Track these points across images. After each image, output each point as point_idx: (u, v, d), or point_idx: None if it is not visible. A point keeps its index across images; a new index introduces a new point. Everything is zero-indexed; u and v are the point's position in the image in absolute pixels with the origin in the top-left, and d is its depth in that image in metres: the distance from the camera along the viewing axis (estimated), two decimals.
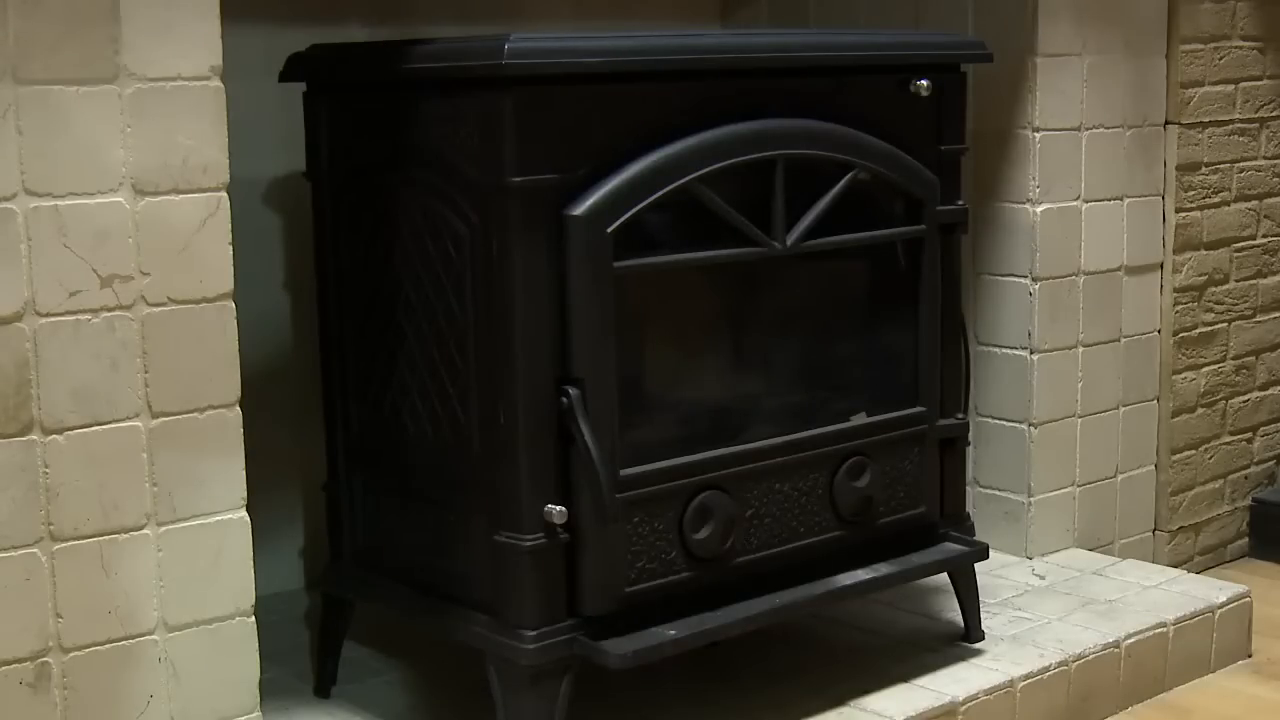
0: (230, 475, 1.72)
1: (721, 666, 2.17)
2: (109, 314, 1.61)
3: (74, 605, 1.62)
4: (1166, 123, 2.73)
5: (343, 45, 2.11)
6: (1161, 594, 2.49)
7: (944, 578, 2.28)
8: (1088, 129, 2.59)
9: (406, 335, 1.94)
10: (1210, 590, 2.51)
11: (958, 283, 2.22)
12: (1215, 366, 2.88)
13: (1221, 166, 2.82)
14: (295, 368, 2.38)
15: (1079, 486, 2.67)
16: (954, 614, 2.29)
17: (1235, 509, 2.98)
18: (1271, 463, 3.05)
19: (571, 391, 1.80)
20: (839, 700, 2.07)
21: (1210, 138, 2.79)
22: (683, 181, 1.86)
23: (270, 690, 1.85)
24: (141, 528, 1.66)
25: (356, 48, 2.10)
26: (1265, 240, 2.95)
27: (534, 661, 1.82)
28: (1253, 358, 2.96)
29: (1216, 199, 2.83)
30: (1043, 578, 2.55)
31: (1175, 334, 2.78)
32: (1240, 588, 2.52)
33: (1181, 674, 2.41)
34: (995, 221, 2.57)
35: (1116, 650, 2.30)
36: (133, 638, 1.67)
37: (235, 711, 1.75)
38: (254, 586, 1.75)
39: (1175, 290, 2.77)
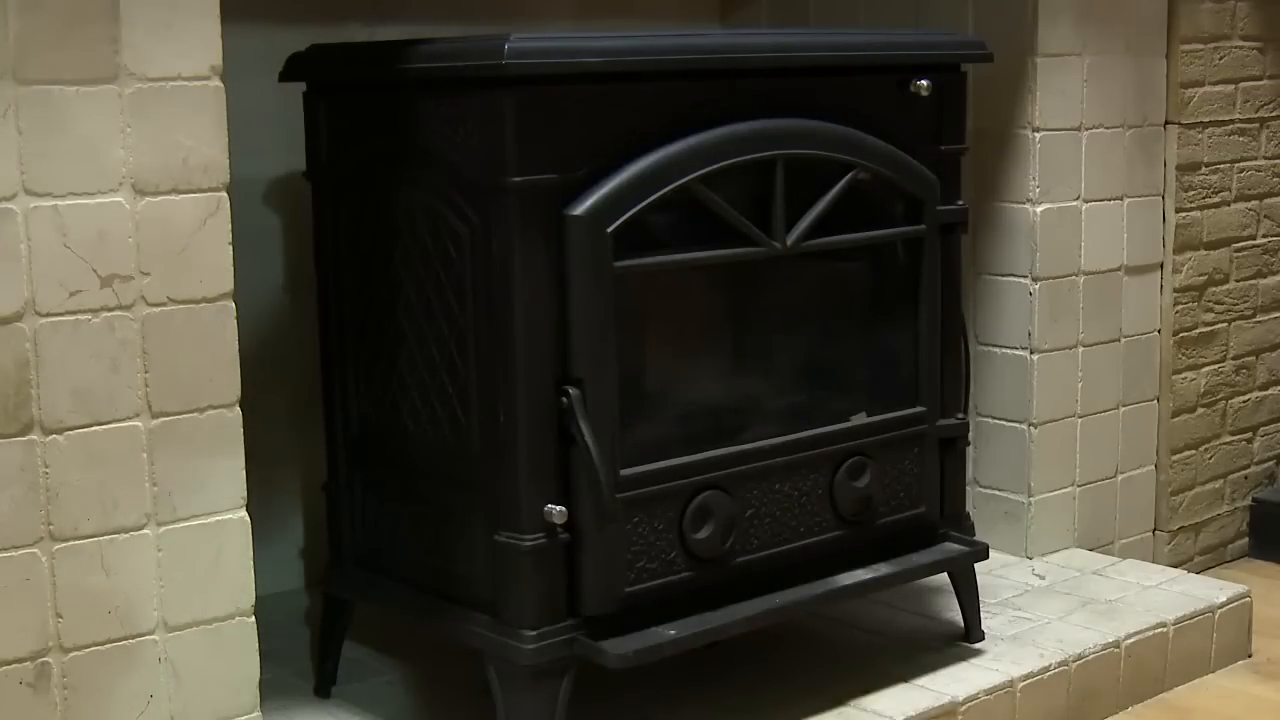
0: (230, 475, 1.72)
1: (721, 666, 2.17)
2: (109, 314, 1.61)
3: (74, 605, 1.62)
4: (1166, 123, 2.73)
5: (343, 45, 2.11)
6: (1161, 594, 2.49)
7: (944, 578, 2.28)
8: (1088, 129, 2.59)
9: (406, 335, 1.94)
10: (1210, 590, 2.51)
11: (958, 283, 2.22)
12: (1215, 366, 2.88)
13: (1221, 166, 2.82)
14: (295, 368, 2.38)
15: (1079, 486, 2.67)
16: (954, 614, 2.29)
17: (1235, 509, 2.98)
18: (1271, 463, 3.05)
19: (571, 391, 1.80)
20: (839, 700, 2.07)
21: (1210, 138, 2.79)
22: (683, 181, 1.86)
23: (270, 690, 1.85)
24: (141, 528, 1.66)
25: (356, 48, 2.10)
26: (1265, 240, 2.95)
27: (534, 661, 1.82)
28: (1253, 358, 2.96)
29: (1216, 199, 2.83)
30: (1043, 578, 2.55)
31: (1175, 334, 2.78)
32: (1240, 588, 2.52)
33: (1181, 674, 2.41)
34: (995, 221, 2.57)
35: (1116, 650, 2.30)
36: (133, 638, 1.67)
37: (235, 711, 1.75)
38: (254, 586, 1.75)
39: (1175, 290, 2.77)
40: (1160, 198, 2.74)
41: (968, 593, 2.26)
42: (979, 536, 2.28)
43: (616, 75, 1.82)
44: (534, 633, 1.82)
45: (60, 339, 1.59)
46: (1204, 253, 2.82)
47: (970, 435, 2.30)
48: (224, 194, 1.68)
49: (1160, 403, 2.79)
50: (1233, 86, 2.83)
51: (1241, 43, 2.83)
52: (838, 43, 2.10)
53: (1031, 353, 2.57)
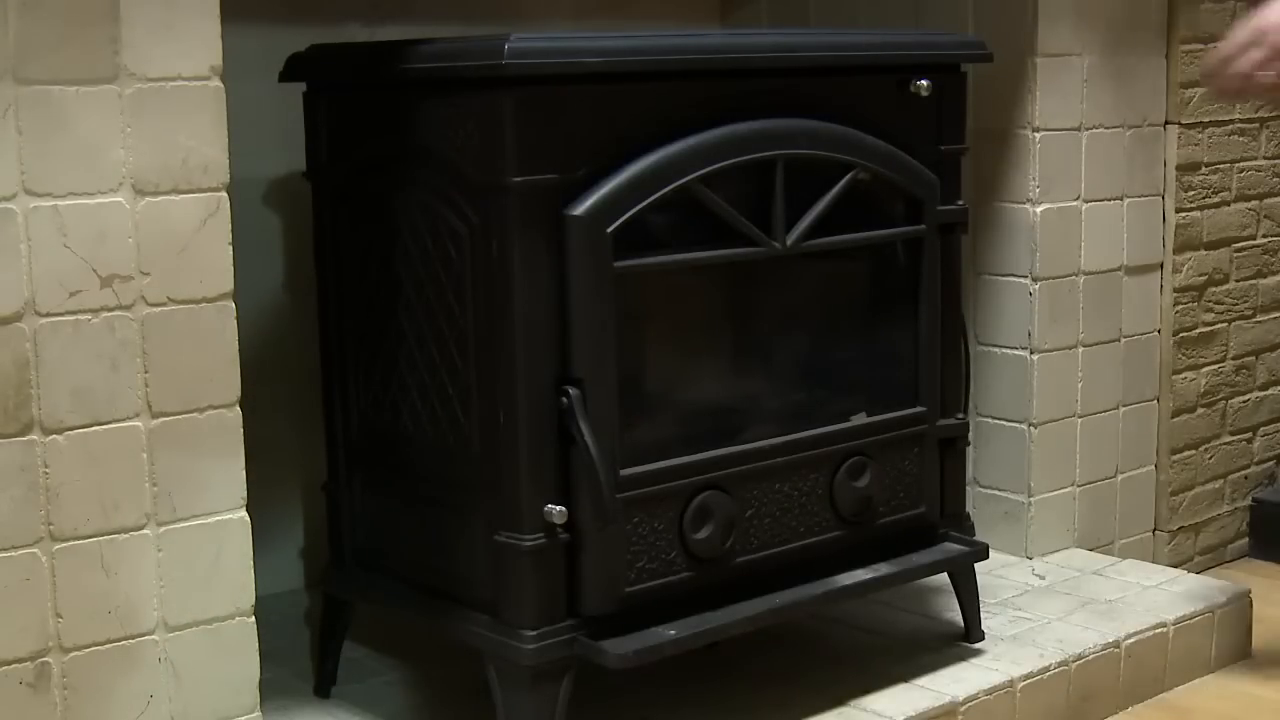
0: (230, 475, 1.72)
1: (721, 666, 2.17)
2: (109, 314, 1.61)
3: (74, 605, 1.62)
4: (1166, 123, 2.73)
5: (343, 45, 2.11)
6: (1161, 594, 2.49)
7: (944, 578, 2.28)
8: (1088, 129, 2.59)
9: (406, 335, 1.94)
10: (1210, 590, 2.51)
11: (958, 283, 2.22)
12: (1215, 366, 2.88)
13: (1221, 166, 2.82)
14: (295, 368, 2.38)
15: (1079, 486, 2.67)
16: (954, 614, 2.29)
17: (1235, 509, 2.98)
18: (1271, 463, 3.05)
19: (571, 391, 1.80)
20: (839, 700, 2.07)
21: (1210, 138, 2.79)
22: (683, 181, 1.86)
23: (270, 690, 1.85)
24: (141, 528, 1.66)
25: (356, 48, 2.10)
26: (1265, 240, 2.95)
27: (534, 661, 1.82)
28: (1253, 358, 2.96)
29: (1216, 199, 2.83)
30: (1043, 578, 2.55)
31: (1175, 334, 2.78)
32: (1240, 588, 2.53)
33: (1181, 674, 2.41)
34: (995, 221, 2.57)
35: (1116, 650, 2.30)
36: (133, 638, 1.67)
37: (235, 711, 1.75)
38: (254, 586, 1.75)
39: (1175, 290, 2.77)
40: (1160, 198, 2.74)
41: (968, 593, 2.26)
42: (979, 536, 2.28)
43: (616, 75, 1.82)
44: (534, 633, 1.82)
45: (60, 339, 1.59)
46: (1204, 253, 2.82)
47: (970, 435, 2.30)
48: (224, 194, 1.68)
49: (1160, 403, 2.79)
50: None
51: None
52: (838, 43, 2.10)
53: (1031, 353, 2.57)
